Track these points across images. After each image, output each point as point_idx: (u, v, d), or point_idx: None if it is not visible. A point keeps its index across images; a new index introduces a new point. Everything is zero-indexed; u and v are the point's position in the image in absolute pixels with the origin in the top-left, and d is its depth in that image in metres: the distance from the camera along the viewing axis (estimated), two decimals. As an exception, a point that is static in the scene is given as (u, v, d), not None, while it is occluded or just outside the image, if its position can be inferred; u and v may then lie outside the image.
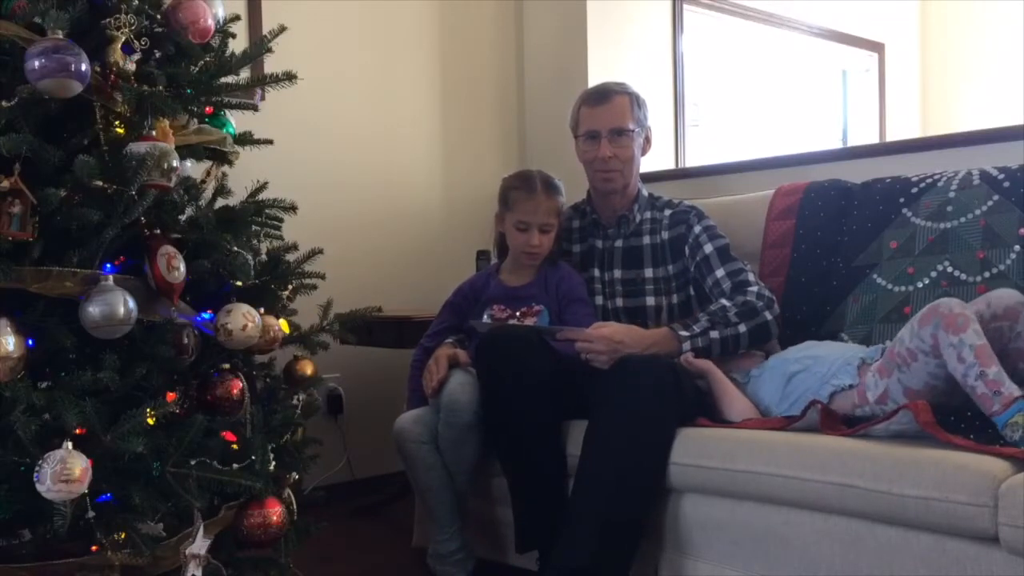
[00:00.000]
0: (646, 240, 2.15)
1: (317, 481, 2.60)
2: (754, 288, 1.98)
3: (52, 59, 1.25)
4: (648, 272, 2.13)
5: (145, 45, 1.44)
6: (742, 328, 1.90)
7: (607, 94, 2.13)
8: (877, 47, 4.45)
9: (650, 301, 2.11)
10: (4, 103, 1.28)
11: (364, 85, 3.01)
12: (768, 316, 1.94)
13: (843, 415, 1.65)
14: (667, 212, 2.16)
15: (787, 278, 2.16)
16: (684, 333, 1.89)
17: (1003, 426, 1.37)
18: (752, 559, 1.62)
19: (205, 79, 1.57)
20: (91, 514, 1.26)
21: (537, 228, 2.06)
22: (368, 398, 2.92)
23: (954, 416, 1.47)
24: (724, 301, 1.96)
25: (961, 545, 1.34)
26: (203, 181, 1.70)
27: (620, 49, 3.26)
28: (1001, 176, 1.89)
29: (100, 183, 1.32)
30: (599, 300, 2.15)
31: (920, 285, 1.89)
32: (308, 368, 1.79)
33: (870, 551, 1.44)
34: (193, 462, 1.38)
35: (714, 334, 1.89)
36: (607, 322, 1.94)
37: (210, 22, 1.55)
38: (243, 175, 1.78)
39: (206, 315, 1.52)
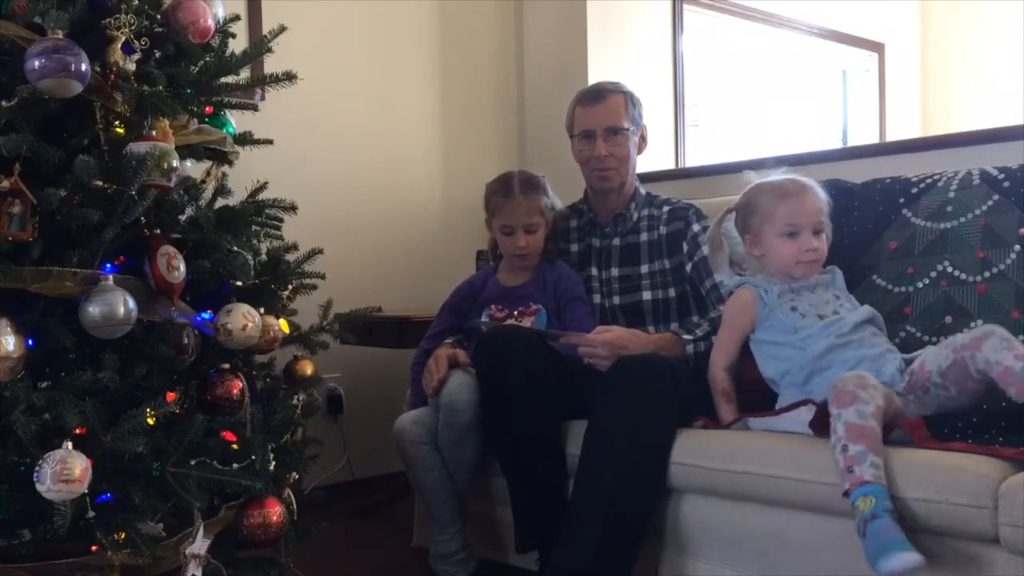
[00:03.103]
0: (643, 237, 2.16)
1: (317, 481, 2.60)
2: None
3: (52, 59, 1.26)
4: (644, 268, 2.13)
5: (145, 45, 1.45)
6: None
7: (601, 93, 2.14)
8: (877, 47, 4.45)
9: (646, 296, 2.11)
10: (4, 103, 1.28)
11: (364, 85, 3.01)
12: None
13: None
14: (665, 209, 2.17)
15: (787, 278, 2.16)
16: (688, 336, 1.89)
17: (852, 506, 1.35)
18: (752, 559, 1.62)
19: (205, 79, 1.57)
20: (91, 514, 1.26)
21: (522, 229, 2.06)
22: (368, 398, 2.92)
23: (948, 428, 1.48)
24: (723, 308, 1.96)
25: (961, 545, 1.34)
26: (203, 181, 1.70)
27: (620, 49, 3.26)
28: (1001, 176, 1.88)
29: (100, 183, 1.33)
30: (597, 299, 2.15)
31: (920, 285, 1.88)
32: (308, 368, 1.80)
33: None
34: (193, 462, 1.38)
35: (715, 339, 1.89)
36: (610, 326, 1.94)
37: (210, 22, 1.56)
38: (243, 175, 1.78)
39: (206, 315, 1.52)
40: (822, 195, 1.80)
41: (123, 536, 1.30)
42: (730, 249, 1.91)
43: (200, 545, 1.38)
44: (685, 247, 2.10)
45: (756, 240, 1.81)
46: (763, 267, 1.83)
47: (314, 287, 1.79)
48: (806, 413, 1.59)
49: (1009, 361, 1.40)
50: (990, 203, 1.86)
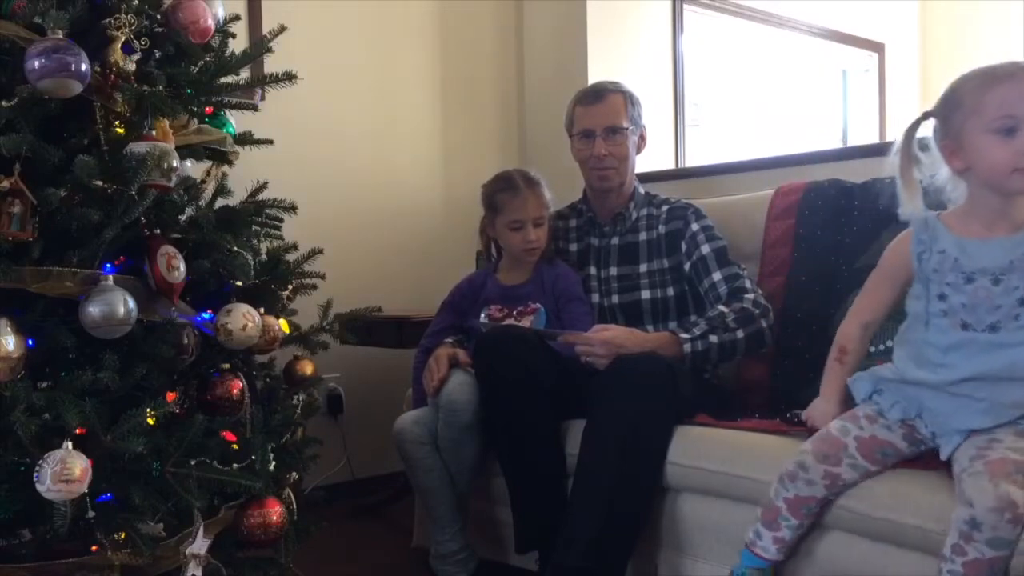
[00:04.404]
0: (642, 236, 2.16)
1: (317, 481, 2.60)
2: (751, 295, 1.99)
3: (52, 59, 1.25)
4: (643, 267, 2.13)
5: (145, 45, 1.45)
6: (740, 334, 1.90)
7: (601, 93, 2.14)
8: (877, 47, 4.45)
9: (645, 295, 2.11)
10: (4, 103, 1.28)
11: (364, 85, 3.01)
12: (764, 324, 1.95)
13: None
14: (664, 208, 2.17)
15: (787, 278, 2.16)
16: (685, 336, 1.89)
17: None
18: (752, 559, 1.62)
19: (205, 79, 1.57)
20: (91, 514, 1.26)
21: (531, 223, 2.07)
22: (368, 398, 2.92)
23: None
24: (721, 307, 1.96)
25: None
26: (203, 181, 1.70)
27: (620, 49, 3.26)
28: (1001, 176, 1.88)
29: (100, 183, 1.32)
30: (595, 298, 2.15)
31: (920, 285, 1.88)
32: (308, 368, 1.80)
33: (868, 559, 1.44)
34: (193, 462, 1.38)
35: (713, 338, 1.89)
36: (608, 325, 1.94)
37: (210, 22, 1.56)
38: (243, 175, 1.78)
39: (206, 315, 1.52)
40: None
41: (123, 536, 1.30)
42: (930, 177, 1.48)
43: (200, 545, 1.38)
44: (684, 246, 2.10)
45: (957, 146, 1.35)
46: (967, 190, 1.39)
47: (314, 287, 1.79)
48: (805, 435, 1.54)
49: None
50: (990, 203, 1.86)
